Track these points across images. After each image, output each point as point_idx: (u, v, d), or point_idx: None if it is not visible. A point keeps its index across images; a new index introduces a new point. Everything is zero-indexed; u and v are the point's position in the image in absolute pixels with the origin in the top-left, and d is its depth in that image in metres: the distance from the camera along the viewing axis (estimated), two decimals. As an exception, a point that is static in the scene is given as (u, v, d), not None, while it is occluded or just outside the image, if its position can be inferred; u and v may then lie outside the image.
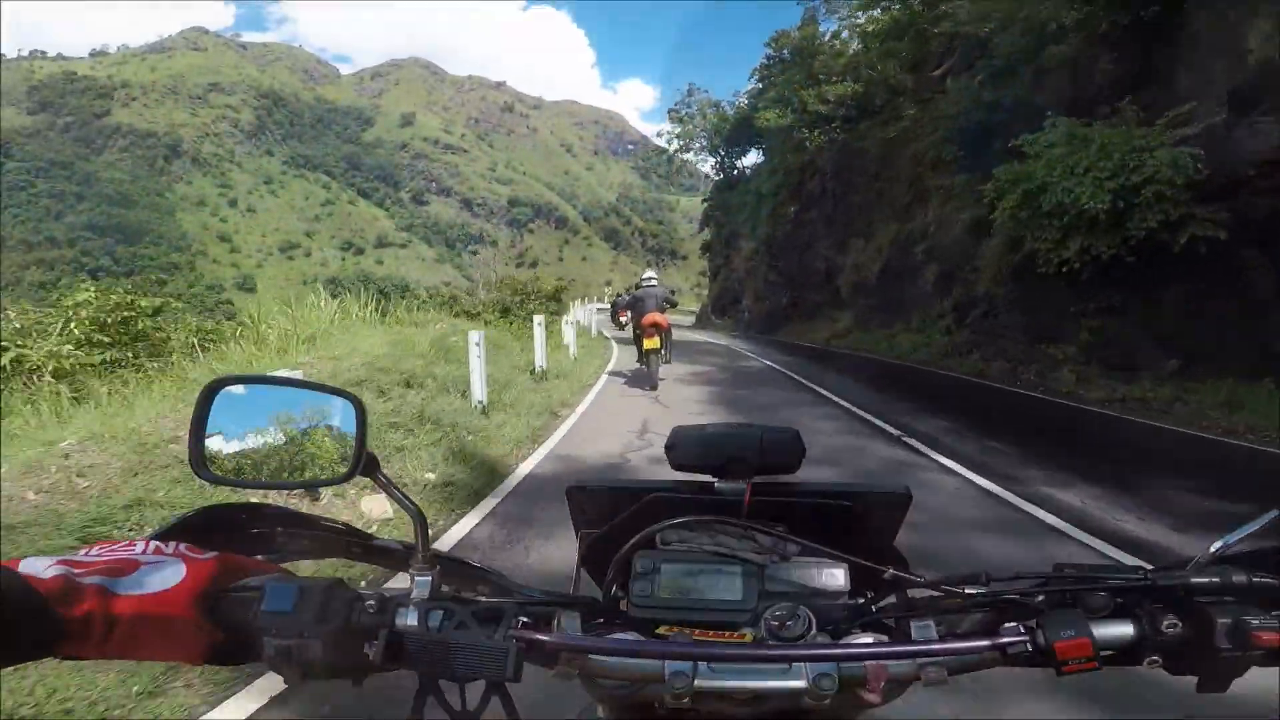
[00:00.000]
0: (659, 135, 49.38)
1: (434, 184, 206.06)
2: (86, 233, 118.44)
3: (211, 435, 0.85)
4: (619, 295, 20.76)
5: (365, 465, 0.83)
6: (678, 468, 1.10)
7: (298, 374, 5.25)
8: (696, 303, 59.33)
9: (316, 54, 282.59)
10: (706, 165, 45.45)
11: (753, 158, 42.91)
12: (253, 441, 0.88)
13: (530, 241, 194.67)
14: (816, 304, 26.77)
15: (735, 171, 43.86)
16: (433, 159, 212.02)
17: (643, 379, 11.56)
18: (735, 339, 26.74)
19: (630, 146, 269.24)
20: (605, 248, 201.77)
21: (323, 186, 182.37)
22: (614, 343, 21.50)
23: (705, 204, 47.65)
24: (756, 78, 36.41)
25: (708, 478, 1.07)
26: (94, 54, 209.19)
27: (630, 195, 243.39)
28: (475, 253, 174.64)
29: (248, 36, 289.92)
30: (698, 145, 44.97)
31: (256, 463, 0.88)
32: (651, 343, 11.15)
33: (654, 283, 11.84)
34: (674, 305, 11.97)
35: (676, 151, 46.37)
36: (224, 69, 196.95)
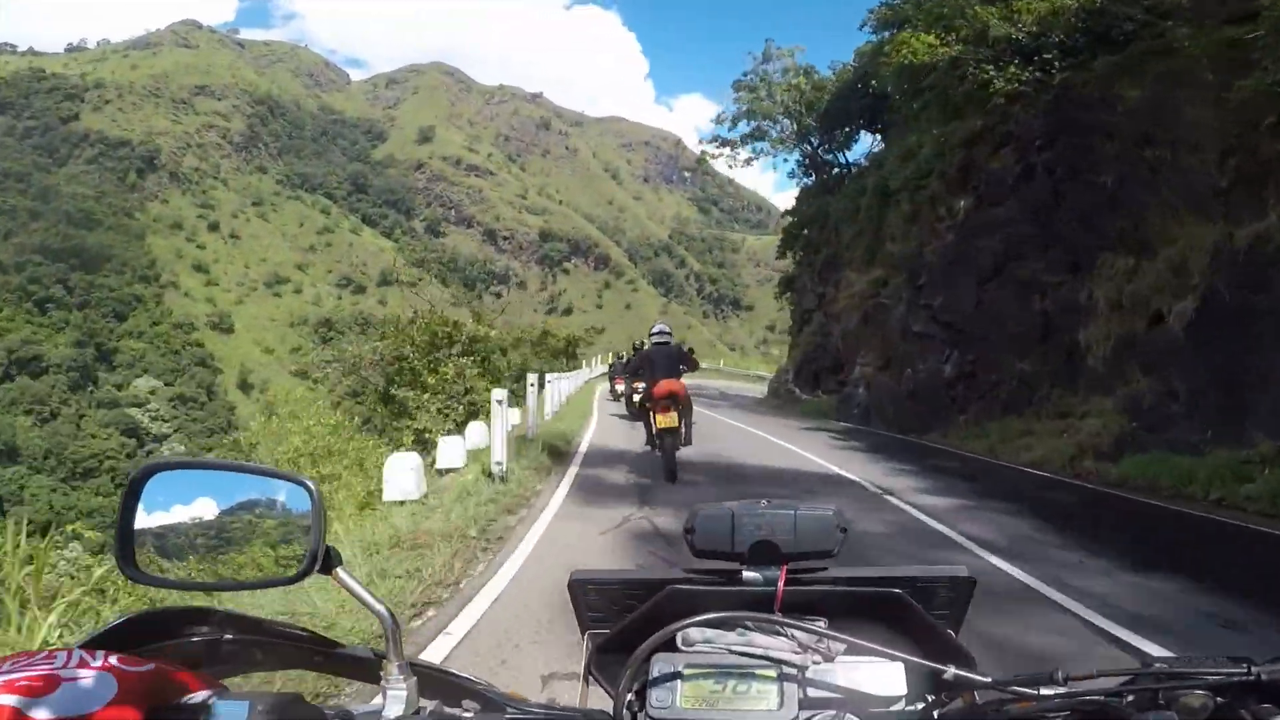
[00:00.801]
0: (718, 120, 41.55)
1: (453, 212, 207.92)
2: (38, 256, 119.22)
3: (143, 528, 0.86)
4: (618, 357, 18.87)
5: (323, 561, 0.85)
6: (699, 554, 1.12)
7: (503, 407, 5.34)
8: (767, 366, 57.53)
9: (325, 56, 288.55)
10: (787, 161, 40.42)
11: (862, 147, 38.48)
12: (191, 535, 0.89)
13: (565, 284, 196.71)
14: (1022, 378, 18.16)
15: (838, 168, 37.60)
16: (453, 182, 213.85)
17: (645, 470, 10.91)
18: (847, 444, 17.88)
19: (687, 174, 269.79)
20: (654, 294, 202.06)
21: (322, 211, 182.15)
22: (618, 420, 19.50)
23: (787, 221, 40.86)
24: (872, 25, 29.70)
25: (734, 565, 1.10)
26: (70, 49, 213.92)
27: (685, 231, 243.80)
28: (499, 295, 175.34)
29: (247, 33, 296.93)
30: (778, 131, 38.66)
31: (196, 560, 0.89)
32: (666, 419, 10.35)
33: (666, 338, 11.12)
34: (695, 368, 11.42)
35: (742, 143, 39.68)
36: (216, 69, 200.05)
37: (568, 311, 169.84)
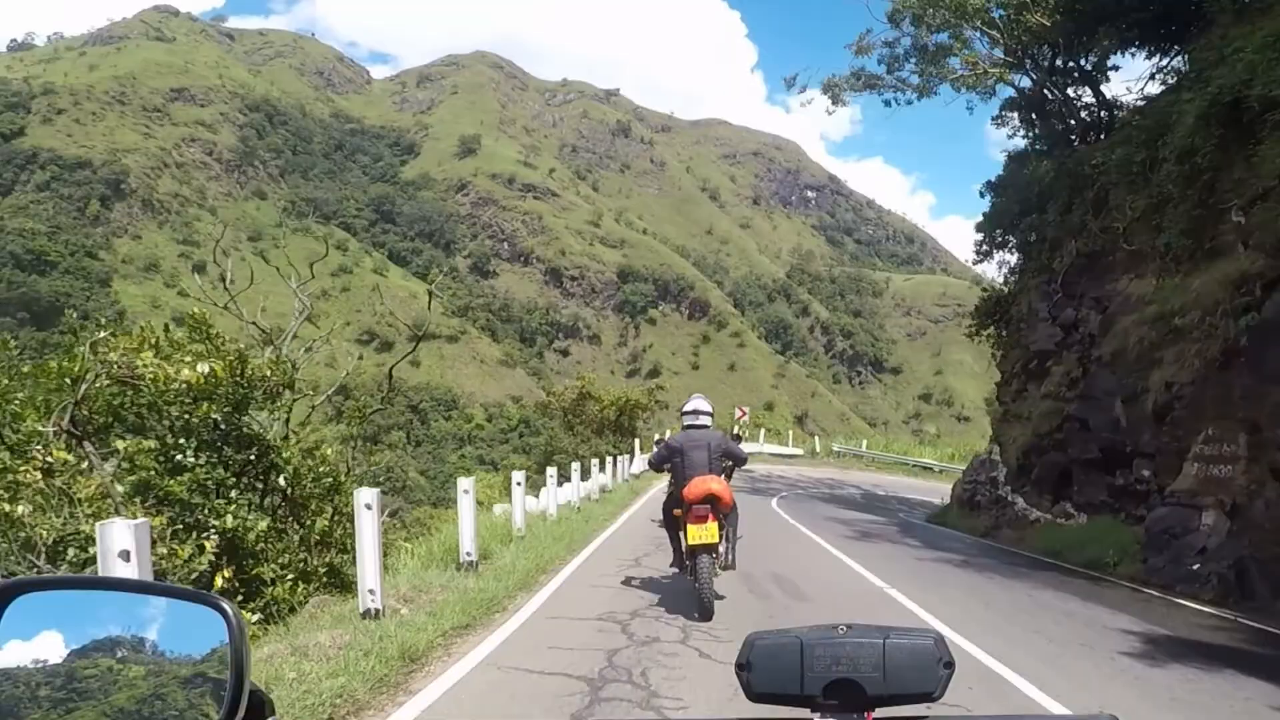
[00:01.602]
0: (858, 48, 33.60)
1: (506, 245, 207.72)
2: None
3: (4, 666, 0.80)
4: (657, 442, 18.87)
5: (248, 711, 0.77)
6: (757, 697, 1.09)
7: (131, 569, 4.93)
8: (936, 453, 55.49)
9: (339, 49, 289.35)
10: (984, 99, 31.30)
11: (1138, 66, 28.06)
12: (64, 674, 0.81)
13: (650, 337, 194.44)
14: None
15: (1085, 110, 29.20)
16: (505, 207, 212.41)
17: (678, 604, 10.30)
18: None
19: (811, 194, 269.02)
20: (766, 351, 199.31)
21: (337, 246, 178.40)
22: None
23: (990, 201, 32.23)
24: None
25: (804, 712, 1.06)
26: (15, 47, 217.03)
27: (809, 269, 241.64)
28: (565, 352, 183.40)
29: (237, 22, 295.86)
30: (981, 56, 30.57)
31: (74, 703, 0.80)
32: (700, 532, 9.60)
33: (705, 419, 10.81)
34: (741, 462, 11.12)
35: (904, 81, 32.12)
36: (197, 68, 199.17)
37: (654, 373, 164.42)
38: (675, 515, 10.40)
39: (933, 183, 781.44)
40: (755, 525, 17.15)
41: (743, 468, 11.48)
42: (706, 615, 9.56)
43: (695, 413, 10.84)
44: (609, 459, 30.15)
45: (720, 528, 9.88)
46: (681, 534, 10.11)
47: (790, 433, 57.13)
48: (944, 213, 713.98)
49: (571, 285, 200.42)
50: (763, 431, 55.15)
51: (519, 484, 16.64)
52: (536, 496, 21.05)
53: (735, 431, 12.58)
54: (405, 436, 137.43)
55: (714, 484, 9.96)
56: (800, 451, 56.32)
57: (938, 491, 34.79)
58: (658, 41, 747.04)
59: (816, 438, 58.71)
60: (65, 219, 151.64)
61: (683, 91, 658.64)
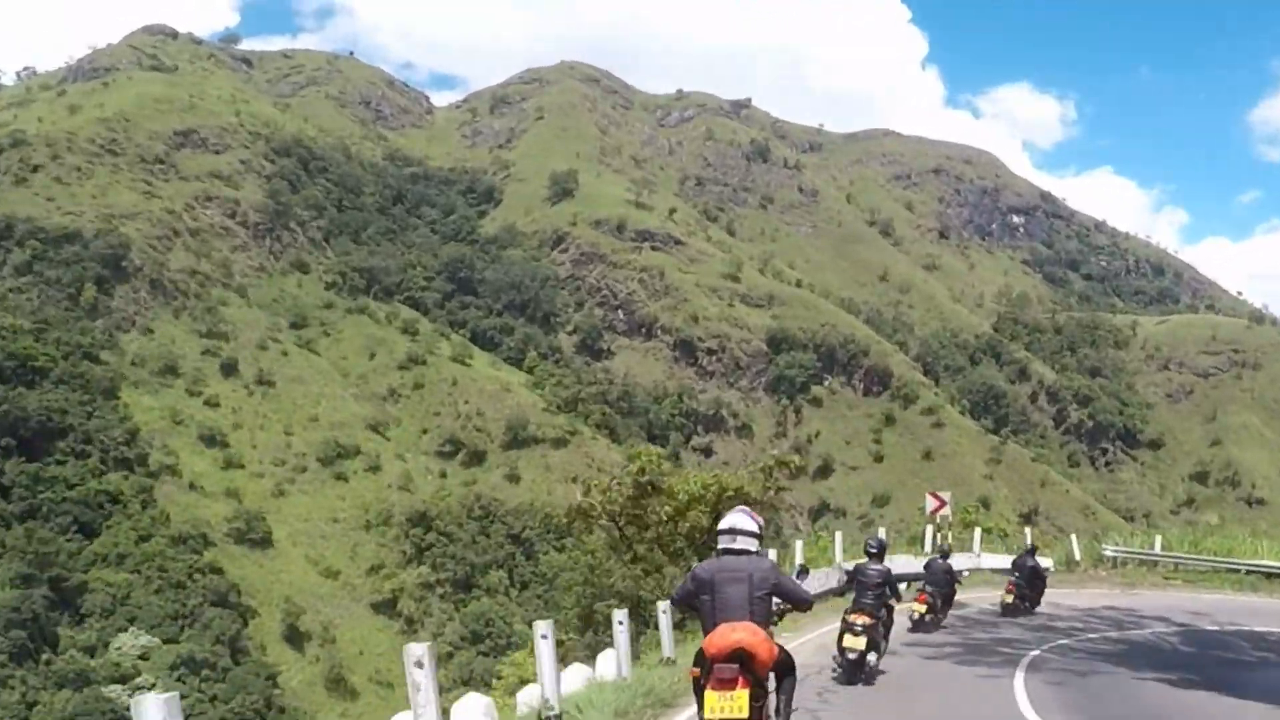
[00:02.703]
0: None
1: (620, 312, 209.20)
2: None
3: None
4: (801, 570, 13.96)
5: None
6: None
7: None
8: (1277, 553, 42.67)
9: (390, 72, 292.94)
10: None
11: None
12: None
13: (815, 422, 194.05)
14: None
15: None
16: (616, 263, 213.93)
17: None
18: None
19: (1017, 219, 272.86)
20: (974, 430, 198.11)
21: (405, 330, 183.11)
22: None
23: None
24: None
25: None
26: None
27: (1024, 318, 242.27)
28: (709, 451, 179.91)
29: (253, 44, 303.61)
30: None
31: None
32: (727, 704, 8.68)
33: (746, 541, 9.46)
34: (804, 606, 10.03)
35: None
36: (207, 102, 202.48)
37: (824, 471, 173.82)
38: (694, 677, 9.34)
39: (1183, 196, 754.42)
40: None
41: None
42: None
43: (732, 532, 9.38)
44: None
45: (754, 699, 8.72)
46: (701, 699, 8.96)
47: (1027, 534, 44.32)
48: (1201, 234, 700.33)
49: (709, 361, 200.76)
50: (978, 534, 41.41)
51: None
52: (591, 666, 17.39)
53: (801, 564, 12.47)
54: (507, 576, 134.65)
55: (746, 634, 8.90)
56: (1047, 563, 41.31)
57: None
58: (795, 34, 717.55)
59: (1074, 537, 47.05)
60: (54, 310, 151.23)
61: (833, 96, 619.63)
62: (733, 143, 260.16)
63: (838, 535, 34.87)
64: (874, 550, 18.07)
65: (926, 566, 25.21)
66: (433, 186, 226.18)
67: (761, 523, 9.72)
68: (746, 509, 10.33)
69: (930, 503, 38.54)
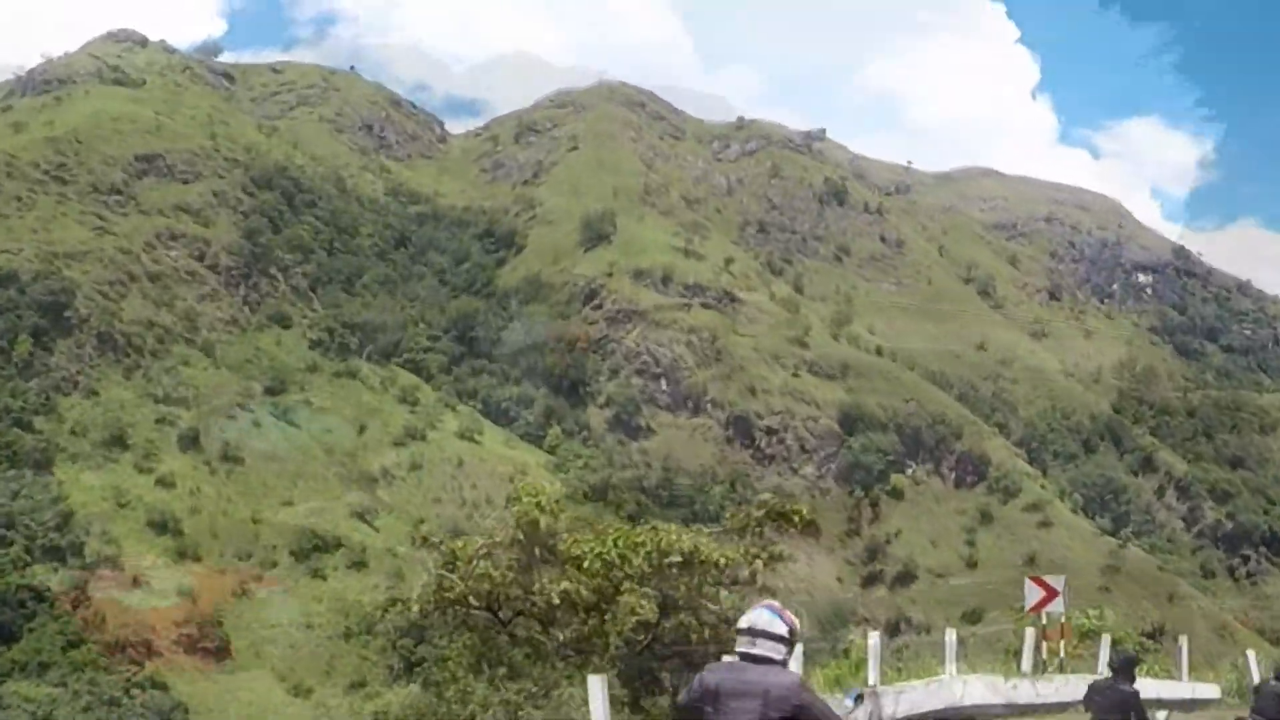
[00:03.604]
0: None
1: (663, 382, 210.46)
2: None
3: None
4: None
5: None
6: None
7: None
8: None
9: (398, 95, 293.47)
10: None
11: None
12: None
13: (898, 520, 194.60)
14: None
15: None
16: (659, 322, 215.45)
17: None
18: None
19: (1143, 278, 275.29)
20: (1088, 530, 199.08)
21: (400, 397, 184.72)
22: None
23: None
24: None
25: None
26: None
27: (1150, 396, 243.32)
28: (774, 553, 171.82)
29: (235, 56, 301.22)
30: None
31: None
32: None
33: (770, 647, 8.36)
34: None
35: None
36: (177, 123, 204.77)
37: (904, 579, 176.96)
38: None
39: None
40: None
41: None
42: None
43: (751, 633, 8.26)
44: None
45: None
46: None
47: (1183, 653, 37.93)
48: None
49: (768, 442, 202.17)
50: (1105, 648, 31.73)
51: None
52: None
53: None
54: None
55: None
56: (1212, 693, 35.01)
57: None
58: (877, 54, 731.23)
59: (1256, 659, 41.12)
60: None
61: (922, 128, 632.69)
62: (803, 181, 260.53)
63: (872, 643, 24.86)
64: (1118, 666, 15.91)
65: (1092, 689, 17.33)
66: (443, 228, 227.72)
67: (795, 624, 8.64)
68: (775, 604, 9.36)
69: (1033, 592, 29.97)
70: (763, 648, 8.29)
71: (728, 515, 32.81)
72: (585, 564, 26.17)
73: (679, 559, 26.97)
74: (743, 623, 8.70)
